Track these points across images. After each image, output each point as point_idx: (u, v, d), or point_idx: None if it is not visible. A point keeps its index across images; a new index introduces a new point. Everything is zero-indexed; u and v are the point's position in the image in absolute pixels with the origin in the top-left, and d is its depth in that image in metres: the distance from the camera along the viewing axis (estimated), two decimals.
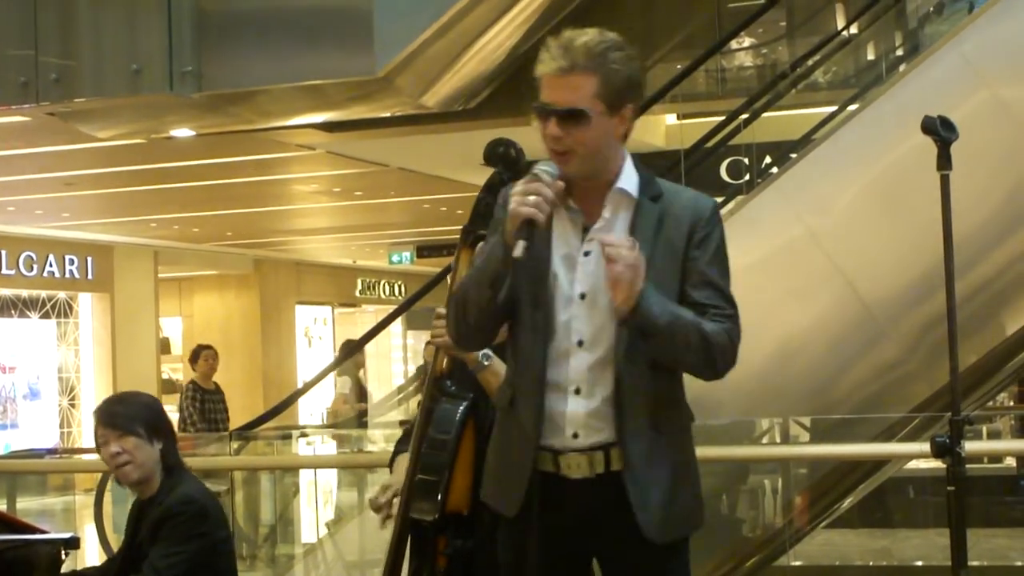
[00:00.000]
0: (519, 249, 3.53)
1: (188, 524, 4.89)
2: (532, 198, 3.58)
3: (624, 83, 3.68)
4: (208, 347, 15.85)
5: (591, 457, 3.74)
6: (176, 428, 5.88)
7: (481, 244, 4.03)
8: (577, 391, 3.73)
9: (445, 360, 4.30)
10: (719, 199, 9.86)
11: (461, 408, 4.18)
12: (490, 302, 3.72)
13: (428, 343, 4.28)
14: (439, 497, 4.13)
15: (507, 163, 4.32)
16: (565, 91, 3.65)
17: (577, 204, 3.78)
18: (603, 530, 3.77)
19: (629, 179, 3.79)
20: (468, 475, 4.18)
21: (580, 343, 3.74)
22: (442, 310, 4.14)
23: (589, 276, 3.73)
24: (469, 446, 4.18)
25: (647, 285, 3.58)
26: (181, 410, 14.74)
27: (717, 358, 3.68)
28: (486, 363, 4.21)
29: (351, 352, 14.79)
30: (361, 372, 18.76)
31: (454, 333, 3.89)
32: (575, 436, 3.74)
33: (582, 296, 3.74)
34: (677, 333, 3.62)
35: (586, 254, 3.75)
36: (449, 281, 4.31)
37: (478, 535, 4.22)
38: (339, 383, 18.49)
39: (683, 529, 3.80)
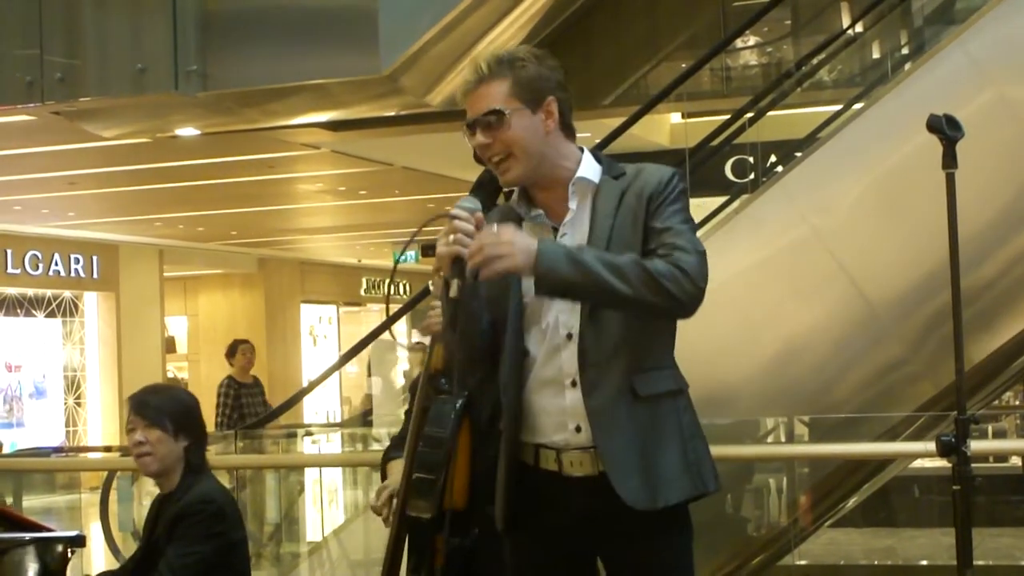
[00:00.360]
0: (453, 288, 3.71)
1: (205, 523, 4.89)
2: (452, 236, 3.73)
3: (535, 78, 3.83)
4: (245, 341, 15.96)
5: (593, 454, 3.78)
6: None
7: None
8: (573, 383, 3.79)
9: (440, 357, 4.31)
10: (723, 198, 9.89)
11: (457, 405, 4.19)
12: (475, 350, 3.94)
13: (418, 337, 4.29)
14: (438, 495, 4.14)
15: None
16: (480, 101, 3.82)
17: (543, 208, 3.89)
18: (604, 529, 3.79)
19: (589, 168, 3.88)
20: (465, 472, 4.18)
21: (569, 336, 3.80)
22: (435, 301, 4.21)
23: None
24: (465, 443, 4.18)
25: (550, 245, 3.65)
26: (216, 407, 14.66)
27: (667, 286, 3.61)
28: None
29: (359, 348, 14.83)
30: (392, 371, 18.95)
31: (457, 364, 3.99)
32: (578, 430, 3.79)
33: None
34: (602, 277, 3.61)
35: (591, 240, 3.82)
36: (431, 284, 4.32)
37: (477, 533, 4.23)
38: (372, 383, 19.00)
39: (669, 493, 3.75)
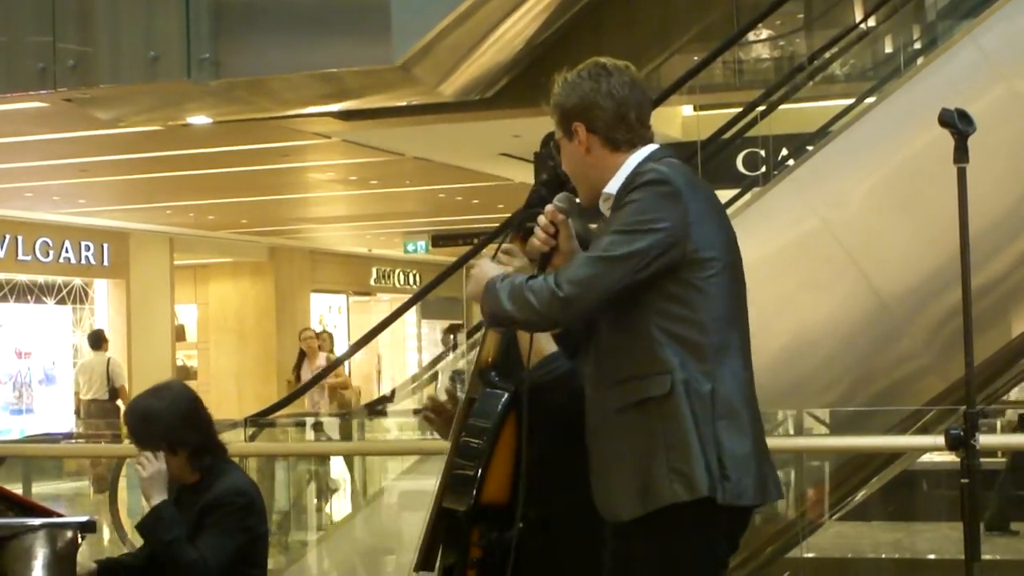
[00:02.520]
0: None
1: (237, 515, 4.88)
2: (538, 235, 4.04)
3: (565, 107, 4.02)
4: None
5: None
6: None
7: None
8: None
9: (492, 349, 4.31)
10: (735, 191, 9.89)
11: (504, 398, 4.18)
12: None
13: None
14: (475, 487, 4.13)
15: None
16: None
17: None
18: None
19: (616, 180, 3.95)
20: (507, 466, 4.16)
21: None
22: (509, 246, 4.30)
23: None
24: (509, 437, 4.16)
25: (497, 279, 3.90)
26: None
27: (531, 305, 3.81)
28: None
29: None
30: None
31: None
32: None
33: None
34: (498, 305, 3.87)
35: None
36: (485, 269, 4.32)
37: (522, 528, 4.20)
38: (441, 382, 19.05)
39: (624, 507, 3.78)
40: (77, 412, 19.58)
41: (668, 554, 3.80)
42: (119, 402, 19.17)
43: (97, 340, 20.06)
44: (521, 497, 4.11)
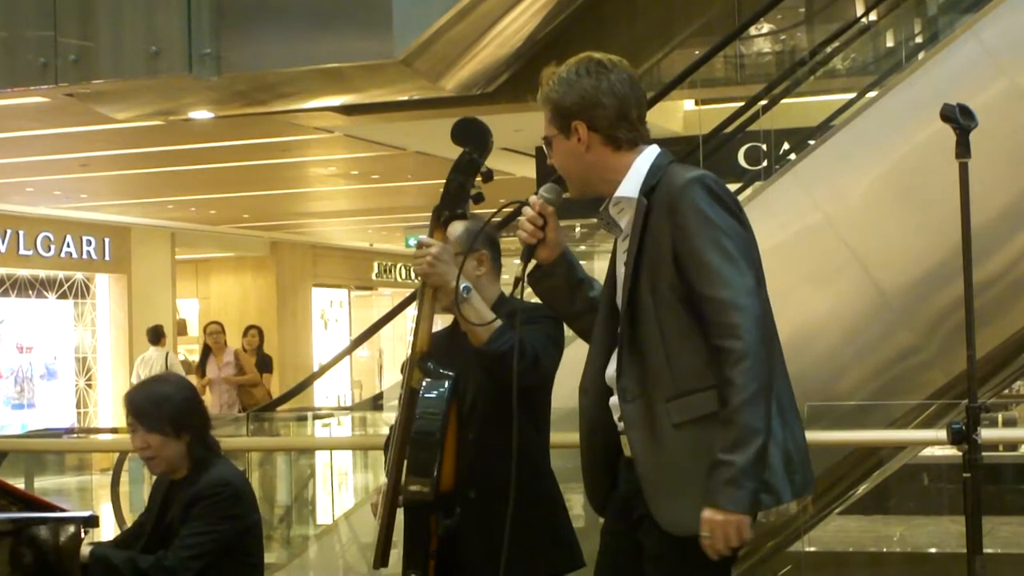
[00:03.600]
0: (518, 271, 4.07)
1: (222, 506, 4.89)
2: (520, 221, 4.05)
3: (563, 104, 3.94)
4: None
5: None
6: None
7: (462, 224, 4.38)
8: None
9: (425, 339, 4.35)
10: (736, 185, 9.89)
11: (446, 386, 4.24)
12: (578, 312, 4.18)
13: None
14: (434, 476, 4.18)
15: (477, 142, 4.41)
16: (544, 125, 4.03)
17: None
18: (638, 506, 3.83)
19: (630, 183, 3.90)
20: (453, 454, 4.24)
21: (619, 349, 3.88)
22: (425, 238, 4.34)
23: (621, 286, 3.90)
24: (453, 425, 4.25)
25: (717, 492, 3.59)
26: None
27: (755, 377, 3.61)
28: (466, 295, 4.27)
29: None
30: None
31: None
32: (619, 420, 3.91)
33: (620, 305, 3.89)
34: (761, 437, 3.62)
35: (624, 264, 3.87)
36: (414, 264, 4.37)
37: (458, 514, 4.28)
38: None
39: (693, 522, 3.65)
40: None
41: (710, 567, 3.77)
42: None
43: (156, 335, 20.67)
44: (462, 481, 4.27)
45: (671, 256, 3.73)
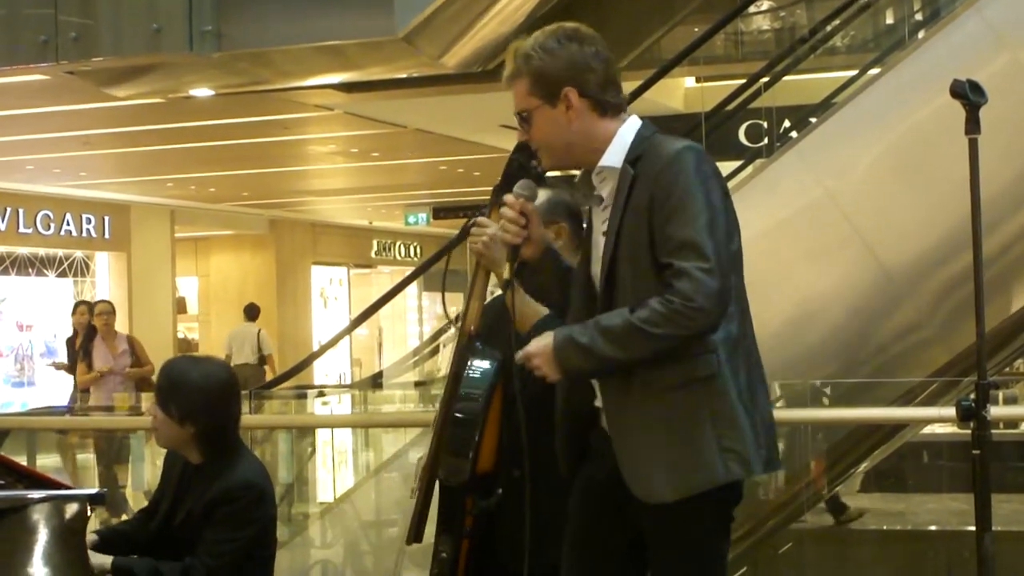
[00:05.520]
0: (507, 271, 4.03)
1: (246, 510, 4.82)
2: (501, 222, 4.03)
3: (550, 72, 3.87)
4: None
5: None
6: None
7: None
8: None
9: (475, 319, 4.32)
10: (737, 163, 9.88)
11: (492, 367, 4.21)
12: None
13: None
14: (470, 456, 4.16)
15: None
16: (514, 98, 3.96)
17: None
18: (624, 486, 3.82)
19: (614, 152, 3.87)
20: (495, 435, 4.21)
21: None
22: (483, 219, 4.26)
23: (599, 257, 3.88)
24: (497, 407, 4.21)
25: (560, 339, 3.75)
26: None
27: (663, 332, 3.62)
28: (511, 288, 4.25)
29: None
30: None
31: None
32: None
33: (598, 275, 3.88)
34: (608, 356, 3.69)
35: (603, 234, 3.88)
36: (470, 244, 4.32)
37: (499, 495, 4.25)
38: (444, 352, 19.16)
39: (675, 489, 3.73)
40: None
41: (704, 528, 3.83)
42: (266, 367, 20.67)
43: (252, 312, 21.66)
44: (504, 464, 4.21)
45: (648, 225, 3.72)
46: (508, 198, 4.02)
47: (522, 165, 4.19)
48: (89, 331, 14.26)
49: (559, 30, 3.89)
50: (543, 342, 3.76)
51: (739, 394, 3.76)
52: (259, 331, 21.41)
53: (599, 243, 3.89)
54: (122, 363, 14.04)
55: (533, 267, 4.09)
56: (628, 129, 3.89)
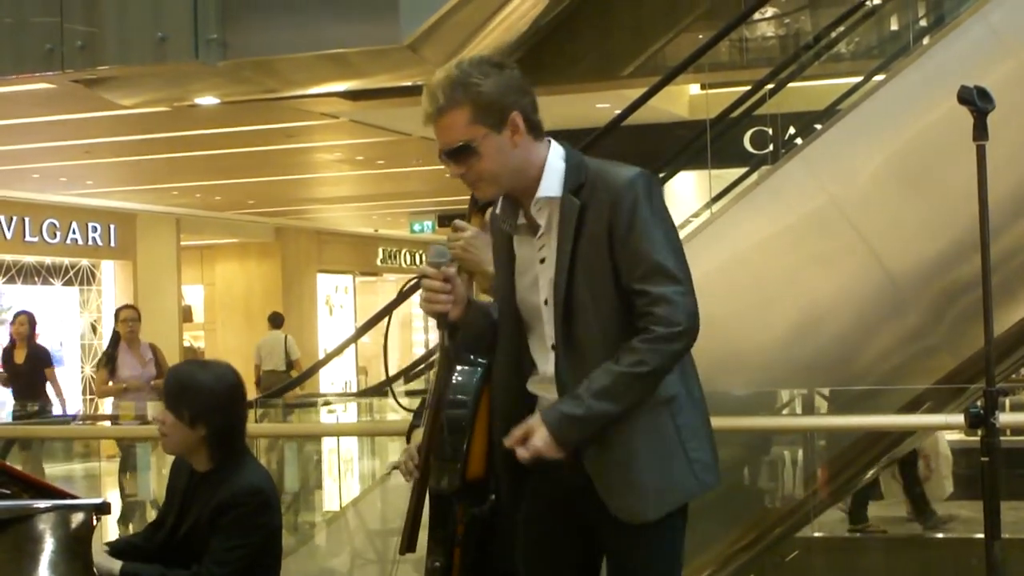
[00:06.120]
0: (446, 340, 4.05)
1: (252, 516, 4.81)
2: (425, 294, 3.96)
3: (495, 97, 3.76)
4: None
5: None
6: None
7: (490, 210, 4.16)
8: (560, 391, 3.86)
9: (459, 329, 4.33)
10: (742, 169, 9.89)
11: (478, 373, 4.20)
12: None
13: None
14: (459, 463, 4.16)
15: None
16: (445, 133, 3.81)
17: (526, 214, 3.90)
18: (591, 505, 3.85)
19: (550, 180, 3.83)
20: (484, 441, 4.20)
21: (553, 347, 3.87)
22: (460, 223, 4.32)
23: (547, 283, 3.85)
24: (485, 412, 4.21)
25: (555, 420, 3.72)
26: None
27: (654, 365, 3.68)
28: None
29: None
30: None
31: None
32: None
33: (545, 302, 3.86)
34: (605, 413, 3.71)
35: (541, 261, 3.86)
36: (449, 248, 4.34)
37: (494, 500, 4.25)
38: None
39: (657, 507, 3.80)
40: (257, 383, 20.61)
41: (676, 543, 3.91)
42: (293, 372, 20.68)
43: (277, 320, 22.19)
44: (496, 470, 4.17)
45: (609, 251, 3.73)
46: (429, 270, 3.95)
47: None
48: (114, 336, 13.54)
49: (481, 60, 3.82)
50: (540, 431, 3.72)
51: (694, 405, 3.86)
52: (286, 337, 21.85)
53: (532, 271, 3.89)
54: (149, 373, 13.25)
55: (463, 323, 4.05)
56: (555, 155, 3.85)
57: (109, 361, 13.25)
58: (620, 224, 3.71)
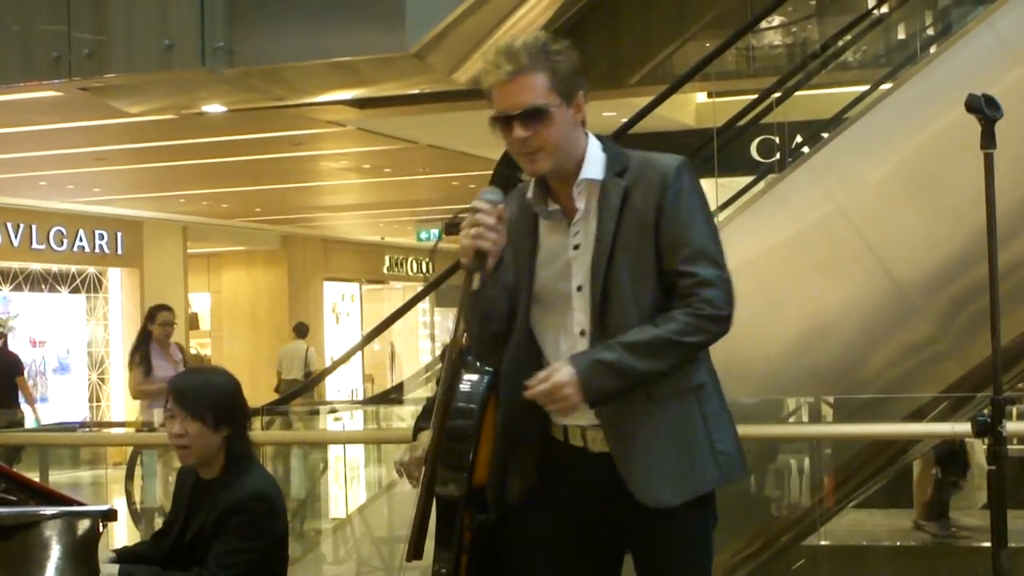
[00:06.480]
0: (476, 281, 3.79)
1: (257, 521, 4.81)
2: (474, 230, 3.75)
3: (570, 71, 3.80)
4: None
5: (582, 432, 3.89)
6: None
7: (502, 207, 4.01)
8: None
9: (466, 334, 4.31)
10: (749, 178, 9.88)
11: (484, 381, 4.20)
12: (493, 334, 3.96)
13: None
14: (465, 471, 4.16)
15: None
16: (520, 94, 3.77)
17: (557, 201, 3.90)
18: (624, 503, 3.83)
19: (593, 164, 3.87)
20: (490, 449, 4.21)
21: (582, 333, 3.85)
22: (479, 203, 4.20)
23: (582, 268, 3.84)
24: (491, 419, 4.21)
25: (584, 362, 3.70)
26: None
27: (693, 340, 3.73)
28: None
29: None
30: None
31: (476, 348, 4.03)
32: (597, 415, 3.83)
33: (579, 288, 3.85)
34: (640, 371, 3.71)
35: (575, 247, 3.86)
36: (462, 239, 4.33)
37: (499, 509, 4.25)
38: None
39: (677, 492, 3.82)
40: (277, 390, 20.72)
41: (706, 538, 3.94)
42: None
43: (301, 330, 22.60)
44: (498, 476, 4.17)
45: (655, 233, 3.77)
46: (483, 205, 3.84)
47: (508, 177, 4.18)
48: (144, 336, 13.04)
49: (553, 35, 3.85)
50: (565, 369, 3.70)
51: (720, 397, 3.91)
52: (308, 348, 22.15)
53: (562, 258, 3.88)
54: None
55: (493, 277, 3.92)
56: (594, 144, 3.90)
57: (143, 361, 12.71)
58: (669, 205, 3.77)
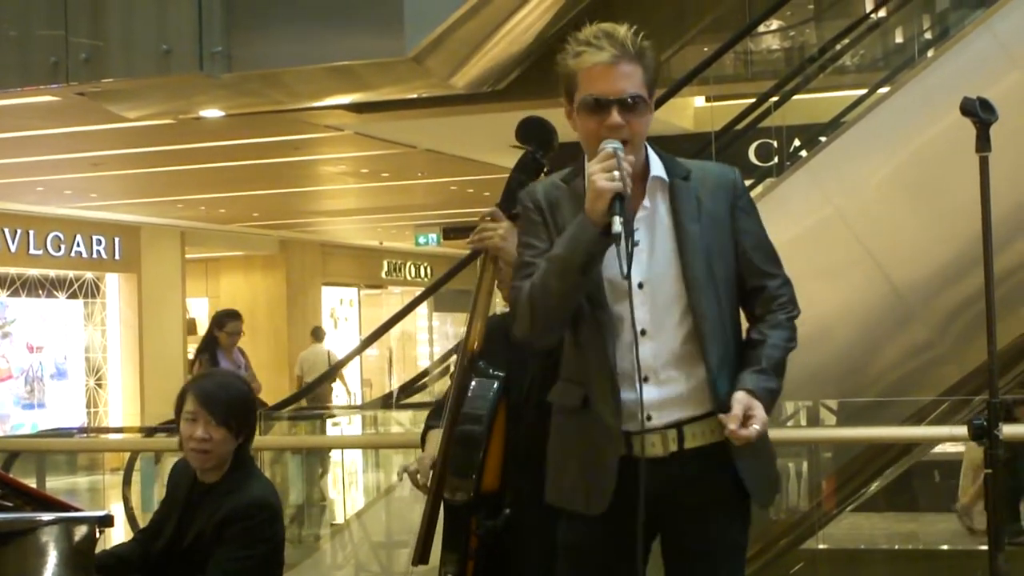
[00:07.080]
0: (617, 224, 3.52)
1: (259, 528, 4.81)
2: (617, 172, 3.58)
3: (654, 74, 3.79)
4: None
5: (664, 436, 3.79)
6: None
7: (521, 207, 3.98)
8: (646, 379, 3.75)
9: (477, 339, 4.30)
10: (748, 182, 9.87)
11: (494, 387, 4.18)
12: (578, 289, 3.72)
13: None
14: (473, 477, 4.14)
15: (540, 141, 4.34)
16: (622, 80, 3.72)
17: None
18: (670, 504, 3.81)
19: (657, 164, 3.86)
20: (499, 455, 4.19)
21: (643, 332, 3.76)
22: (496, 211, 4.25)
23: (643, 265, 3.77)
24: (501, 426, 4.19)
25: (766, 396, 3.74)
26: None
27: (795, 343, 3.90)
28: None
29: None
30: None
31: (528, 327, 3.80)
32: (649, 418, 3.78)
33: (640, 286, 3.77)
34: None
35: (636, 244, 3.72)
36: (479, 264, 4.32)
37: (508, 514, 4.23)
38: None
39: (769, 494, 4.05)
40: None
41: (746, 523, 4.03)
42: (332, 386, 20.75)
43: (318, 334, 22.71)
44: (510, 481, 4.15)
45: (731, 236, 3.83)
46: (610, 150, 3.62)
47: (522, 183, 4.16)
48: (210, 342, 13.19)
49: (637, 31, 3.81)
50: (759, 408, 3.69)
51: None
52: (328, 352, 22.07)
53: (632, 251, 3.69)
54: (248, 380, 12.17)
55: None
56: (648, 146, 3.89)
57: (211, 364, 12.71)
58: (742, 210, 3.87)
